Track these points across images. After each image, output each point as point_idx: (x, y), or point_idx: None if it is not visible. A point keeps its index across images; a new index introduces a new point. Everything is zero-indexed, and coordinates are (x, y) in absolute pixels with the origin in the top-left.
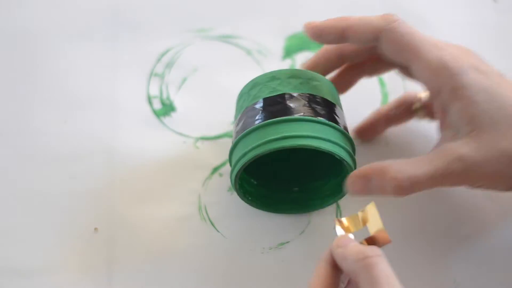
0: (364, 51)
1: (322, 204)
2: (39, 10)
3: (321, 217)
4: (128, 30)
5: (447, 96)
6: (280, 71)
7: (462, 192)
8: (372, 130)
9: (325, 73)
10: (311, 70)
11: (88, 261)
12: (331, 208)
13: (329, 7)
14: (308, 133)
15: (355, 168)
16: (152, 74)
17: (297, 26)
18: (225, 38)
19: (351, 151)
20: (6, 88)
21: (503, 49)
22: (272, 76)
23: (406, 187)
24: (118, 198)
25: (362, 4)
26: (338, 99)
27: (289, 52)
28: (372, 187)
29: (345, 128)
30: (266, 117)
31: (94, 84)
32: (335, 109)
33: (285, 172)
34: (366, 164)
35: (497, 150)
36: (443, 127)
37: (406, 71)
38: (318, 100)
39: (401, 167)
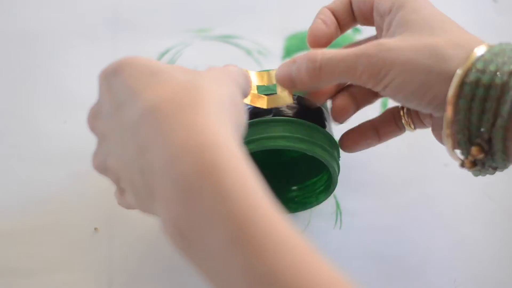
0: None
1: (317, 200)
2: (39, 10)
3: (321, 217)
4: (128, 30)
5: (395, 10)
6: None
7: (463, 192)
8: (358, 139)
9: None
10: (316, 33)
11: (88, 261)
12: (331, 208)
13: None
14: (278, 134)
15: (334, 159)
16: None
17: (297, 26)
18: (225, 38)
19: (325, 145)
20: (6, 88)
21: None
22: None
23: (319, 66)
24: None
25: None
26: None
27: (289, 52)
28: (293, 70)
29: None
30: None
31: (94, 84)
32: (320, 109)
33: (281, 173)
34: (363, 165)
35: (419, 41)
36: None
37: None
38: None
39: (324, 50)
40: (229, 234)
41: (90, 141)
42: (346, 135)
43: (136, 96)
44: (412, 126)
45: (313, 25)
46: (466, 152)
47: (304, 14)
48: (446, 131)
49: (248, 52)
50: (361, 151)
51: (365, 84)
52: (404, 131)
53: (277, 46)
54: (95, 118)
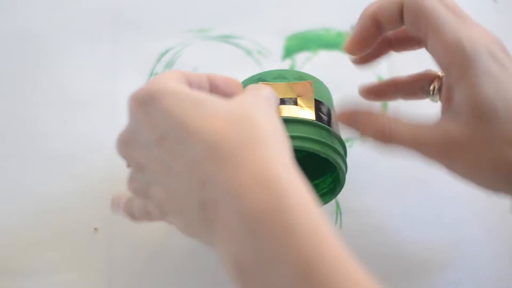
0: (398, 20)
1: (321, 202)
2: (40, 10)
3: None
4: (128, 30)
5: (455, 74)
6: (266, 73)
7: (463, 192)
8: (378, 93)
9: (365, 46)
10: (354, 45)
11: (88, 261)
12: (331, 208)
13: (329, 7)
14: (291, 134)
15: (344, 162)
16: (152, 74)
17: (297, 26)
18: (225, 38)
19: (336, 147)
20: (7, 88)
21: None
22: (259, 78)
23: (387, 135)
24: None
25: (362, 5)
26: (328, 97)
27: (289, 52)
28: (359, 119)
29: (333, 125)
30: None
31: (94, 84)
32: (322, 107)
33: None
34: (363, 165)
35: (488, 144)
36: (445, 108)
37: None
38: (321, 105)
39: (395, 118)
40: (297, 271)
41: (90, 141)
42: (365, 91)
43: (185, 128)
44: (437, 100)
45: (354, 34)
46: None
47: (304, 14)
48: None
49: (248, 52)
50: (361, 151)
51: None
52: (425, 98)
53: (277, 46)
54: (127, 146)
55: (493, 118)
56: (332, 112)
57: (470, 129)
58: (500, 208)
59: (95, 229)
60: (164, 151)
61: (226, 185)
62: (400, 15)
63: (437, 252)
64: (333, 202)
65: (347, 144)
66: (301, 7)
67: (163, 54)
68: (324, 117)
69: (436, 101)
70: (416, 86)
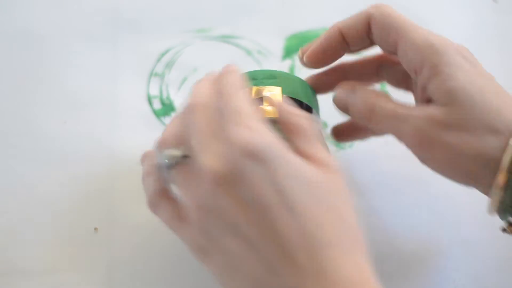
0: (363, 36)
1: None
2: (40, 10)
3: None
4: (128, 30)
5: (428, 72)
6: (256, 72)
7: (463, 192)
8: (327, 81)
9: (325, 59)
10: (315, 55)
11: (88, 261)
12: None
13: (329, 7)
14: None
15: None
16: (152, 74)
17: (297, 26)
18: (225, 38)
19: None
20: (6, 88)
21: (503, 49)
22: (250, 77)
23: (373, 115)
24: (118, 198)
25: (362, 5)
26: (313, 99)
27: (289, 52)
28: (350, 102)
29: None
30: None
31: (94, 84)
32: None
33: None
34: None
35: (464, 128)
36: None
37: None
38: (295, 102)
39: (384, 94)
40: None
41: (90, 141)
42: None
43: (298, 214)
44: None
45: (314, 45)
46: (506, 217)
47: (304, 14)
48: (494, 197)
49: (248, 52)
50: (362, 151)
51: (408, 146)
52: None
53: (277, 46)
54: (182, 222)
55: (470, 105)
56: (312, 110)
57: (448, 113)
58: None
59: (95, 229)
60: (261, 232)
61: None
62: (366, 31)
63: (437, 252)
64: None
65: (346, 146)
66: (301, 7)
67: (163, 54)
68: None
69: (387, 81)
70: (370, 66)
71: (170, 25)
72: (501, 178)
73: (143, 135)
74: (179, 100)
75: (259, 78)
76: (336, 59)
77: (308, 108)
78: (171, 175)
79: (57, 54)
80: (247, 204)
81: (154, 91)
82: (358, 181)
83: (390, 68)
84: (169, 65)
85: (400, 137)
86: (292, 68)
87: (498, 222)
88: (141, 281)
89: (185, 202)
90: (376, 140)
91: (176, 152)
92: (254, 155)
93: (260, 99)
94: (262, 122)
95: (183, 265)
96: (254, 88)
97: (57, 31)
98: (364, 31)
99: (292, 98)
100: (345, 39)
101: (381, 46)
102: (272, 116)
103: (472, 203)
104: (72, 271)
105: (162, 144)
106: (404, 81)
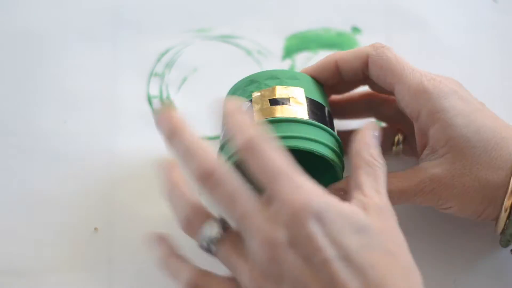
0: (359, 73)
1: None
2: (40, 10)
3: None
4: (128, 30)
5: (426, 119)
6: (280, 71)
7: None
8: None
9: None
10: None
11: (88, 261)
12: None
13: (329, 7)
14: (285, 134)
15: (339, 158)
16: (152, 74)
17: (297, 26)
18: (225, 38)
19: (331, 145)
20: (6, 88)
21: (503, 49)
22: (271, 75)
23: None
24: (118, 198)
25: (362, 5)
26: (321, 94)
27: (289, 52)
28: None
29: (327, 123)
30: None
31: (94, 84)
32: (314, 105)
33: None
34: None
35: (468, 174)
36: (421, 152)
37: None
38: (315, 103)
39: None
40: None
41: (90, 141)
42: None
43: (356, 263)
44: (400, 154)
45: (308, 69)
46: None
47: (304, 14)
48: (500, 222)
49: (248, 52)
50: None
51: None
52: (390, 153)
53: (277, 46)
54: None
55: (467, 148)
56: (326, 110)
57: (450, 164)
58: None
59: (95, 229)
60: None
61: None
62: (362, 68)
63: (437, 252)
64: None
65: None
66: (301, 7)
67: (163, 54)
68: (318, 115)
69: (398, 154)
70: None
71: (170, 25)
72: (508, 203)
73: (143, 135)
74: (179, 100)
75: (282, 77)
76: (326, 85)
77: (328, 113)
78: (213, 251)
79: (57, 54)
80: (309, 261)
81: (154, 91)
82: None
83: (380, 106)
84: (169, 65)
85: (415, 203)
86: (292, 68)
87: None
88: (141, 281)
89: (239, 274)
90: None
91: (216, 226)
92: (312, 214)
93: (287, 98)
94: (306, 178)
95: None
96: (279, 87)
97: (57, 31)
98: (360, 68)
99: (313, 100)
100: (340, 71)
101: (378, 83)
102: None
103: None
104: (72, 271)
105: (194, 223)
106: (394, 118)
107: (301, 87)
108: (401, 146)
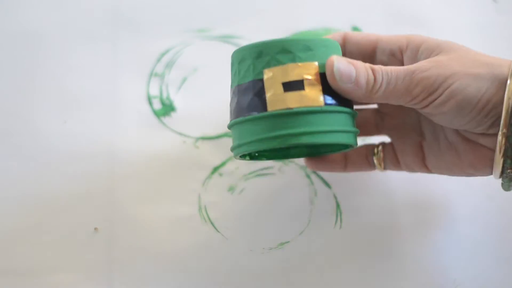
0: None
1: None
2: (39, 10)
3: (321, 217)
4: (128, 30)
5: (414, 45)
6: (292, 41)
7: (463, 192)
8: (323, 161)
9: None
10: None
11: (88, 261)
12: (331, 209)
13: (329, 7)
14: (301, 129)
15: (355, 135)
16: (152, 74)
17: (297, 26)
18: (225, 38)
19: (347, 128)
20: (6, 88)
21: (503, 49)
22: (283, 48)
23: (379, 84)
24: (118, 198)
25: (362, 5)
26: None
27: None
28: (352, 75)
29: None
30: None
31: (94, 84)
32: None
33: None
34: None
35: (467, 57)
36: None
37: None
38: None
39: (384, 68)
40: None
41: (90, 141)
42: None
43: None
44: (382, 166)
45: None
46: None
47: (304, 14)
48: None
49: None
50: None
51: (417, 98)
52: (374, 169)
53: None
54: None
55: (459, 47)
56: None
57: (446, 55)
58: (500, 208)
59: (95, 229)
60: None
61: None
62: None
63: (437, 252)
64: (333, 202)
65: None
66: (301, 7)
67: (163, 54)
68: (333, 96)
69: (380, 164)
70: (361, 153)
71: (170, 25)
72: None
73: (143, 135)
74: (179, 100)
75: (294, 51)
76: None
77: None
78: None
79: (57, 54)
80: None
81: (154, 91)
82: (359, 180)
83: (387, 121)
84: (169, 65)
85: (411, 96)
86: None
87: (497, 222)
88: (141, 281)
89: None
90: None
91: None
92: None
93: (300, 81)
94: None
95: (183, 265)
96: (291, 65)
97: (57, 31)
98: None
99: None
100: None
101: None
102: None
103: (471, 202)
104: (72, 271)
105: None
106: (402, 133)
107: (315, 60)
108: (381, 154)
